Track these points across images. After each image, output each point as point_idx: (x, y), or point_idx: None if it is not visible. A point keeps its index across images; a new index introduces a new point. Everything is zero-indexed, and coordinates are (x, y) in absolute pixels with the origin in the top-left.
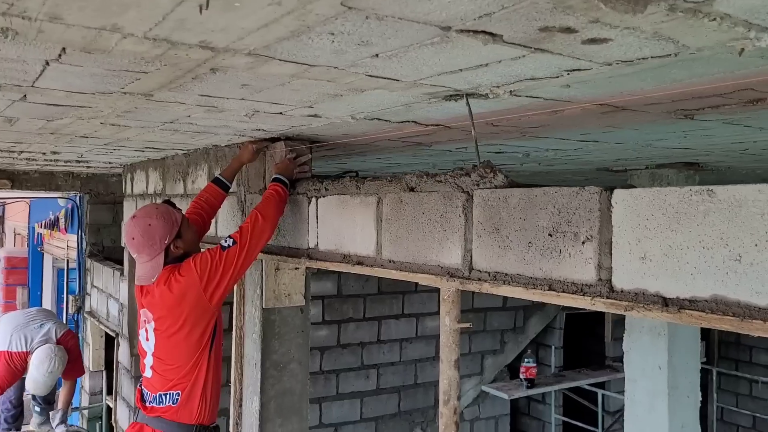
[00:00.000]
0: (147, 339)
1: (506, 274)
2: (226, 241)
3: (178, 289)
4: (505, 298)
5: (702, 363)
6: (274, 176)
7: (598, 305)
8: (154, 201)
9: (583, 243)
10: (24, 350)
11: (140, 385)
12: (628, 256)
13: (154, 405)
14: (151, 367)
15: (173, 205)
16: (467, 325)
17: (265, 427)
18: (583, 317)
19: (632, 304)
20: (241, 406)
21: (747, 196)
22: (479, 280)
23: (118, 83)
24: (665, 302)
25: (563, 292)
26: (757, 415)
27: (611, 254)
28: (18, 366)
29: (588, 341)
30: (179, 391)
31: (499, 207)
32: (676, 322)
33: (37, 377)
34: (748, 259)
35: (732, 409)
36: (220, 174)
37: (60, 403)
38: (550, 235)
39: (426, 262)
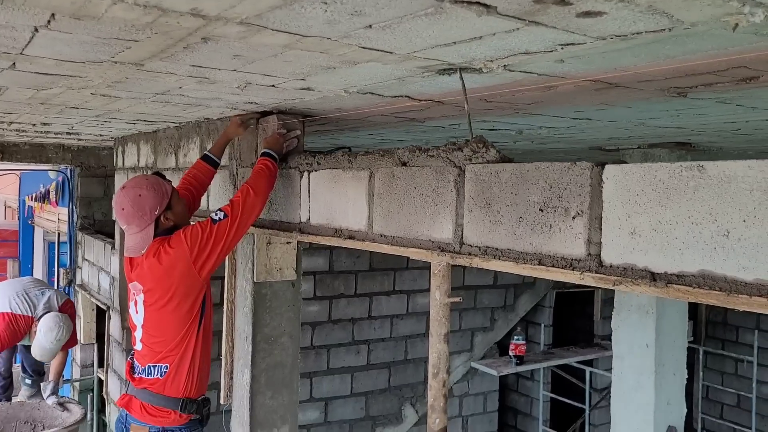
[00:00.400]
0: (137, 312)
1: (497, 249)
2: (216, 215)
3: (167, 261)
4: (496, 276)
5: (689, 342)
6: (263, 150)
7: (587, 280)
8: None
9: (573, 218)
10: (29, 315)
11: (131, 358)
12: (618, 231)
13: (143, 377)
14: (141, 340)
15: (163, 177)
16: (457, 299)
17: (255, 399)
18: (573, 296)
19: (621, 278)
20: (231, 378)
21: (737, 172)
22: (470, 254)
23: (109, 52)
24: (653, 277)
25: (553, 266)
26: (742, 393)
27: (601, 229)
28: (22, 330)
29: (577, 320)
30: (167, 364)
31: (491, 182)
32: (664, 296)
33: (44, 344)
34: (736, 234)
35: (717, 387)
36: (208, 150)
37: (51, 374)
38: (540, 210)
39: (417, 237)
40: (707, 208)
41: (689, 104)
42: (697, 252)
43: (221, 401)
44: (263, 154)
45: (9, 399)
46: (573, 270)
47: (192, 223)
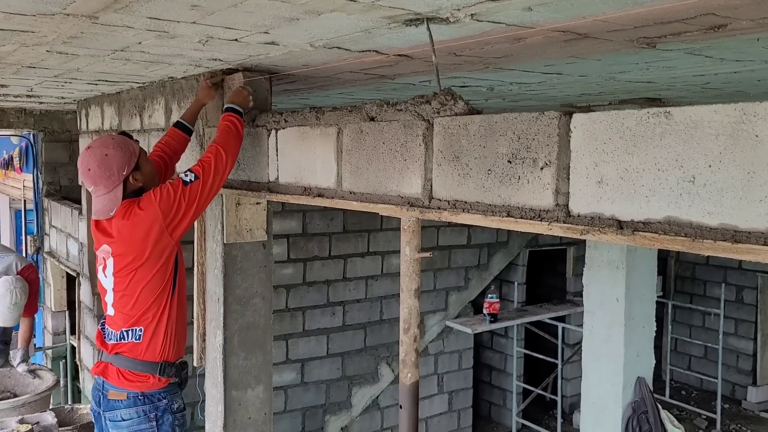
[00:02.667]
0: (106, 276)
1: (465, 202)
2: (187, 175)
3: (138, 223)
4: (470, 236)
5: (658, 296)
6: (227, 106)
7: (555, 230)
8: None
9: (541, 169)
10: None
11: (101, 325)
12: (586, 180)
13: (117, 342)
14: (113, 305)
15: (130, 137)
16: (427, 254)
17: (229, 360)
18: (546, 254)
19: (588, 227)
20: (204, 341)
21: (703, 117)
22: (439, 208)
23: (60, 3)
24: (620, 225)
25: (521, 218)
26: (709, 344)
27: (569, 179)
28: None
29: (550, 277)
30: (142, 328)
31: (460, 135)
32: (630, 243)
33: (2, 310)
34: (702, 180)
35: (685, 339)
36: (181, 117)
37: (20, 341)
38: (509, 161)
39: (387, 193)
40: (673, 154)
41: (658, 56)
42: (663, 199)
43: (195, 363)
44: (227, 109)
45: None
46: (541, 221)
47: None
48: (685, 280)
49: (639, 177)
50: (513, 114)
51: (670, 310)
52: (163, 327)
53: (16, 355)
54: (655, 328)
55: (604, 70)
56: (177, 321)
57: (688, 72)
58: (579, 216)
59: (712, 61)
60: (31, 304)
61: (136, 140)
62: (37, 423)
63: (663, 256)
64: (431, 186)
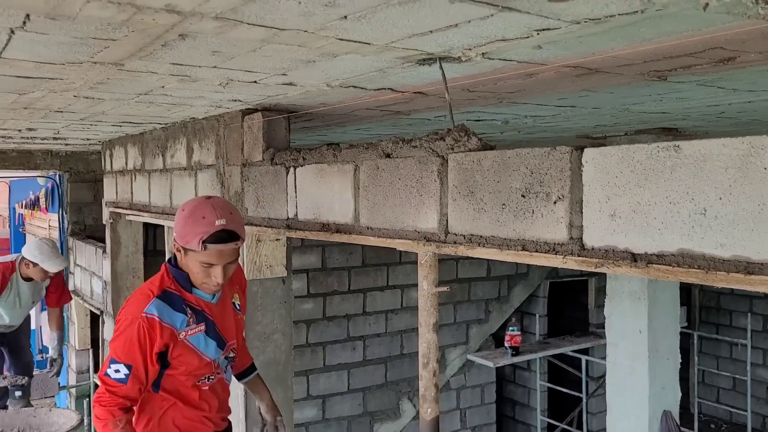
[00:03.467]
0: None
1: (481, 236)
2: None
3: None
4: (489, 268)
5: (683, 327)
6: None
7: (570, 263)
8: (133, 177)
9: (554, 203)
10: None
11: None
12: (599, 214)
13: None
14: None
15: None
16: (445, 288)
17: (250, 397)
18: (567, 286)
19: (602, 261)
20: None
21: (712, 150)
22: (455, 243)
23: (87, 52)
24: (634, 258)
25: (536, 251)
26: (737, 376)
27: (582, 213)
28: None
29: (572, 309)
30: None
31: (474, 170)
32: (645, 276)
33: (41, 247)
34: (713, 212)
35: (713, 371)
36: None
37: (53, 328)
38: (523, 196)
39: (403, 228)
40: (684, 187)
41: (671, 88)
42: (675, 231)
43: None
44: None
45: (4, 407)
46: (556, 254)
47: None
48: (710, 310)
49: (651, 210)
50: (525, 149)
51: (695, 341)
52: (143, 420)
53: (53, 338)
54: (681, 360)
55: (617, 102)
56: (165, 418)
57: (701, 102)
58: (593, 249)
59: (725, 92)
60: (64, 293)
61: None
62: None
63: (686, 286)
64: (447, 221)
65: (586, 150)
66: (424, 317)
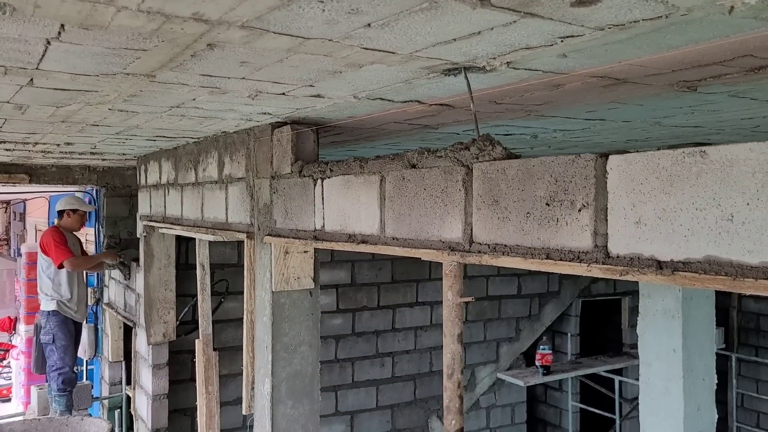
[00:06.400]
0: None
1: (505, 245)
2: None
3: None
4: (520, 286)
5: (721, 349)
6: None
7: (594, 271)
8: (167, 191)
9: (579, 210)
10: None
11: None
12: (624, 221)
13: None
14: None
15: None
16: (470, 298)
17: (276, 408)
18: (600, 305)
19: (627, 268)
20: (253, 389)
21: (738, 155)
22: (479, 252)
23: (120, 63)
24: (659, 265)
25: (560, 260)
26: None
27: (607, 220)
28: None
29: (605, 329)
30: None
31: (498, 179)
32: (670, 284)
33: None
34: (740, 218)
35: (752, 395)
36: None
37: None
38: (547, 204)
39: (428, 238)
40: (710, 193)
41: (701, 99)
42: (702, 238)
43: (244, 412)
44: None
45: (71, 395)
46: (580, 263)
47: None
48: (750, 331)
49: (677, 217)
50: (550, 157)
51: (734, 364)
52: None
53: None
54: (717, 381)
55: (647, 114)
56: None
57: (735, 115)
58: (618, 257)
59: (759, 104)
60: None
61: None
62: None
63: (724, 307)
64: (471, 230)
65: (611, 156)
66: (449, 328)
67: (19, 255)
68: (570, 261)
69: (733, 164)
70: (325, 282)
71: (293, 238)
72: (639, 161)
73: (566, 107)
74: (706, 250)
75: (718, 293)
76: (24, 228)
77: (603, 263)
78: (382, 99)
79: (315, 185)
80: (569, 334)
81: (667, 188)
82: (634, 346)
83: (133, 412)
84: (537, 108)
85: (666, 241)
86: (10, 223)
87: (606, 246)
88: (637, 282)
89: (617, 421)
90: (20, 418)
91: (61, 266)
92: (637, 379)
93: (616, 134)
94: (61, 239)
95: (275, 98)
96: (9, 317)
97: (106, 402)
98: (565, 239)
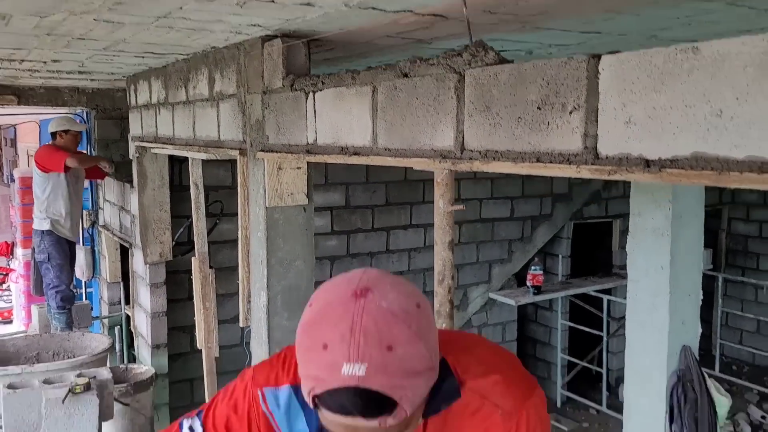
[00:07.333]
0: None
1: (496, 151)
2: None
3: None
4: (513, 208)
5: (708, 270)
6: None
7: (584, 172)
8: (158, 110)
9: (570, 113)
10: None
11: None
12: (614, 121)
13: None
14: None
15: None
16: (460, 207)
17: (272, 320)
18: (592, 227)
19: (616, 168)
20: (249, 302)
21: (731, 49)
22: (470, 159)
23: None
24: (647, 163)
25: (550, 162)
26: (761, 318)
27: (597, 121)
28: None
29: (596, 251)
30: None
31: (490, 84)
32: (657, 181)
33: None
34: (729, 113)
35: (737, 313)
36: None
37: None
38: (538, 108)
39: (420, 147)
40: (701, 89)
41: (699, 8)
42: (690, 135)
43: (241, 324)
44: None
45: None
46: (570, 164)
47: None
48: (737, 253)
49: (667, 115)
50: (542, 60)
51: (720, 284)
52: None
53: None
54: (703, 300)
55: (644, 26)
56: None
57: (732, 27)
58: (607, 157)
59: (756, 13)
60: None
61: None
62: (94, 377)
63: (714, 229)
64: (463, 137)
65: (603, 57)
66: (440, 235)
67: (12, 180)
68: (560, 163)
69: (725, 59)
70: (319, 204)
71: (286, 152)
72: (631, 60)
73: (562, 18)
74: (694, 146)
75: (707, 215)
76: (16, 153)
77: (592, 164)
78: (374, 8)
79: (307, 99)
80: (560, 256)
81: (659, 86)
82: (624, 267)
83: (132, 330)
84: (532, 19)
85: (655, 140)
86: (1, 149)
87: (596, 147)
88: (628, 204)
89: (605, 339)
90: (22, 334)
91: (67, 169)
92: (625, 298)
93: (612, 49)
94: (57, 149)
95: (264, 6)
96: (6, 242)
97: (106, 321)
98: (556, 142)
